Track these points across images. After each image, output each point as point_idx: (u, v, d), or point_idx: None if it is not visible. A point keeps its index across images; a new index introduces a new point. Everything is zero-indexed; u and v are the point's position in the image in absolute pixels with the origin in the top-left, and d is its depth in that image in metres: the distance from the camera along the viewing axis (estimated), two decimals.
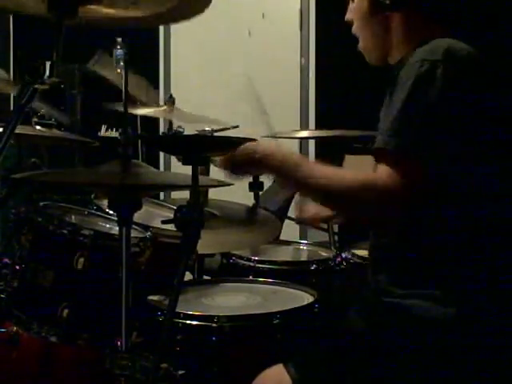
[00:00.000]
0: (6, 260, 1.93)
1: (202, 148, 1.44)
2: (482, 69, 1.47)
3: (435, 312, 1.39)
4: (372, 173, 1.43)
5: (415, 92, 1.38)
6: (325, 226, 2.79)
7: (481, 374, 1.36)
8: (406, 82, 1.40)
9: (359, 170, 1.53)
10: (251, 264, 2.24)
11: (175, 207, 1.41)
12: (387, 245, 1.51)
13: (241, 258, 2.27)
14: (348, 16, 1.66)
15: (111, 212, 1.91)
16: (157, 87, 4.35)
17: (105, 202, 2.01)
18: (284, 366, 1.43)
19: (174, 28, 4.45)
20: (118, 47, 3.74)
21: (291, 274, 2.21)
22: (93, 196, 2.16)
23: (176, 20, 1.69)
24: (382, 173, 1.37)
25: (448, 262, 1.42)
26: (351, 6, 1.64)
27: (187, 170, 1.41)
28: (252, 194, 2.58)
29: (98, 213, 2.08)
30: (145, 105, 2.95)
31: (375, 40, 1.61)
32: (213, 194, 2.42)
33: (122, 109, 2.17)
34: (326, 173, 1.43)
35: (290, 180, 1.49)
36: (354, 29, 1.64)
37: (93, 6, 1.32)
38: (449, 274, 1.41)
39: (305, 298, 1.85)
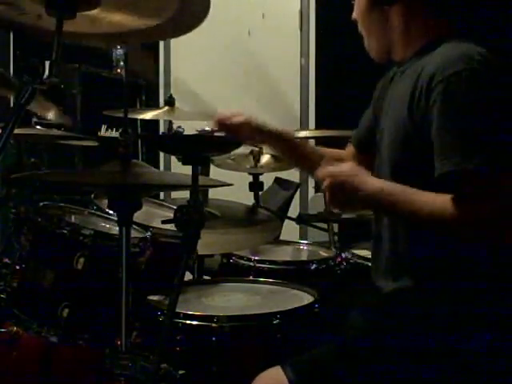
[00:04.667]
0: (6, 260, 1.93)
1: (202, 148, 1.44)
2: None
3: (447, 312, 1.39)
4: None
5: (470, 104, 1.34)
6: (325, 225, 2.80)
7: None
8: (450, 97, 1.35)
9: None
10: (251, 264, 2.24)
11: (175, 207, 1.41)
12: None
13: (241, 257, 2.27)
14: (353, 15, 1.64)
15: (111, 212, 1.91)
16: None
17: (105, 202, 2.01)
18: (282, 368, 1.40)
19: None
20: (118, 47, 3.73)
21: (291, 273, 2.21)
22: (93, 196, 2.16)
23: (174, 33, 1.63)
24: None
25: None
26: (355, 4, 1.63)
27: (187, 169, 1.41)
28: (252, 193, 2.59)
29: (98, 213, 2.08)
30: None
31: (376, 36, 1.59)
32: (213, 193, 2.42)
33: (121, 114, 2.16)
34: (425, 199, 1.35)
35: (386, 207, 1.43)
36: (359, 27, 1.62)
37: (90, 13, 1.32)
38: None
39: (305, 298, 1.85)
